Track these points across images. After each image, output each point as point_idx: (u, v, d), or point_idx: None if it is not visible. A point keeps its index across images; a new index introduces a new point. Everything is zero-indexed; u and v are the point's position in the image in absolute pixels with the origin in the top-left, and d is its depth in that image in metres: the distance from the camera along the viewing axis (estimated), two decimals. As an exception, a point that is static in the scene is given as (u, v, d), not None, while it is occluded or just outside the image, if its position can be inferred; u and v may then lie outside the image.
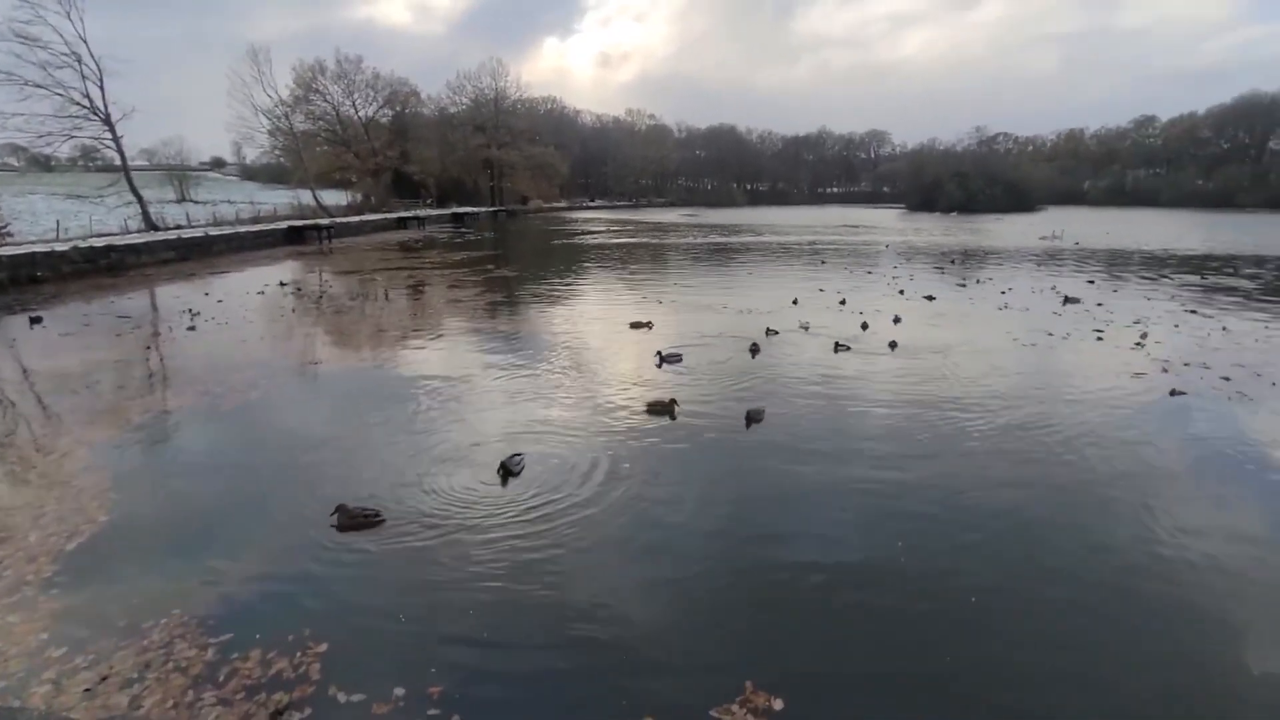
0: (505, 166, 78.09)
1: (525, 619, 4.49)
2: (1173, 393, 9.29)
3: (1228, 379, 10.01)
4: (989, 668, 4.08)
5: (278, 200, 50.60)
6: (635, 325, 13.85)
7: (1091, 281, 21.32)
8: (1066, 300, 17.05)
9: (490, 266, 26.21)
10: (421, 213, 54.34)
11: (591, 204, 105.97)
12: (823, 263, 27.25)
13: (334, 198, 55.49)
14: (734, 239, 41.73)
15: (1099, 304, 16.78)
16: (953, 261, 27.80)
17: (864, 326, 13.65)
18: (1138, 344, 12.35)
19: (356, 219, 45.43)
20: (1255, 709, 3.78)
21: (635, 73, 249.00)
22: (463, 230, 50.27)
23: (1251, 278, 22.68)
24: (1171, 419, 8.37)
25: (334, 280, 21.96)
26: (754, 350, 11.40)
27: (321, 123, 61.47)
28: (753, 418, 8.09)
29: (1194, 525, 5.69)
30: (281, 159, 65.64)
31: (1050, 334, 13.28)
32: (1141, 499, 6.18)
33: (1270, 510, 6.05)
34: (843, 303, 16.66)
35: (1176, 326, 14.13)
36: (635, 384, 9.78)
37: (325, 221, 39.45)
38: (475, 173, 77.49)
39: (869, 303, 16.68)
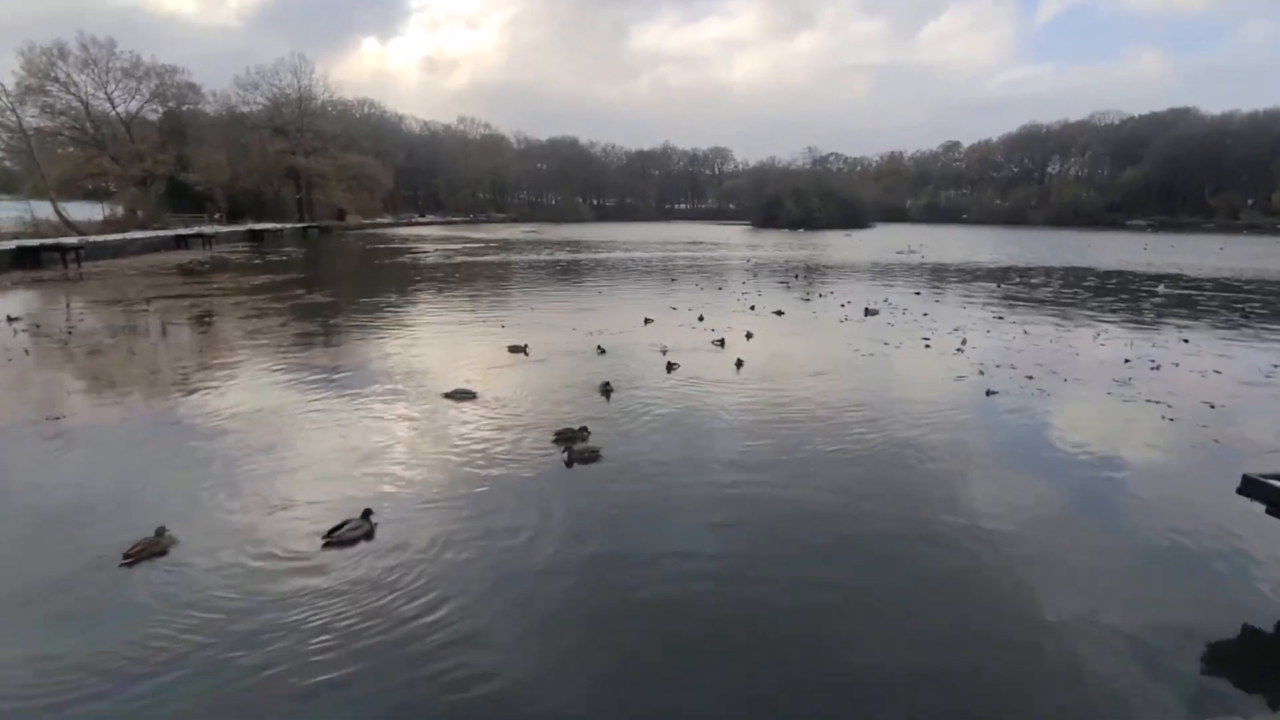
0: (315, 176, 72.80)
1: (367, 700, 4.08)
2: (989, 393, 10.91)
3: (1031, 377, 11.92)
4: (848, 686, 4.32)
5: (1, 215, 42.76)
6: (514, 349, 13.66)
7: (918, 293, 24.43)
8: (867, 312, 19.17)
9: (300, 291, 24.11)
10: (208, 229, 48.77)
11: (422, 219, 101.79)
12: (674, 280, 28.51)
13: (87, 211, 48.00)
14: (582, 256, 42.36)
15: (925, 314, 19.26)
16: (796, 277, 30.47)
17: (720, 343, 14.44)
18: (958, 349, 14.33)
19: (118, 237, 39.70)
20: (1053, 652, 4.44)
21: (467, 80, 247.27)
22: (263, 250, 45.91)
23: (1043, 286, 27.40)
24: (988, 416, 9.86)
25: (87, 313, 18.88)
26: (607, 392, 10.75)
27: (64, 118, 53.24)
28: (576, 456, 7.84)
29: (1008, 500, 6.70)
30: (8, 163, 55.86)
31: (886, 344, 14.98)
32: (975, 488, 7.16)
33: (1063, 485, 7.37)
34: (700, 319, 17.57)
35: (988, 332, 16.59)
36: (486, 416, 9.46)
37: (72, 240, 33.99)
38: (277, 183, 71.38)
39: (722, 319, 17.70)
